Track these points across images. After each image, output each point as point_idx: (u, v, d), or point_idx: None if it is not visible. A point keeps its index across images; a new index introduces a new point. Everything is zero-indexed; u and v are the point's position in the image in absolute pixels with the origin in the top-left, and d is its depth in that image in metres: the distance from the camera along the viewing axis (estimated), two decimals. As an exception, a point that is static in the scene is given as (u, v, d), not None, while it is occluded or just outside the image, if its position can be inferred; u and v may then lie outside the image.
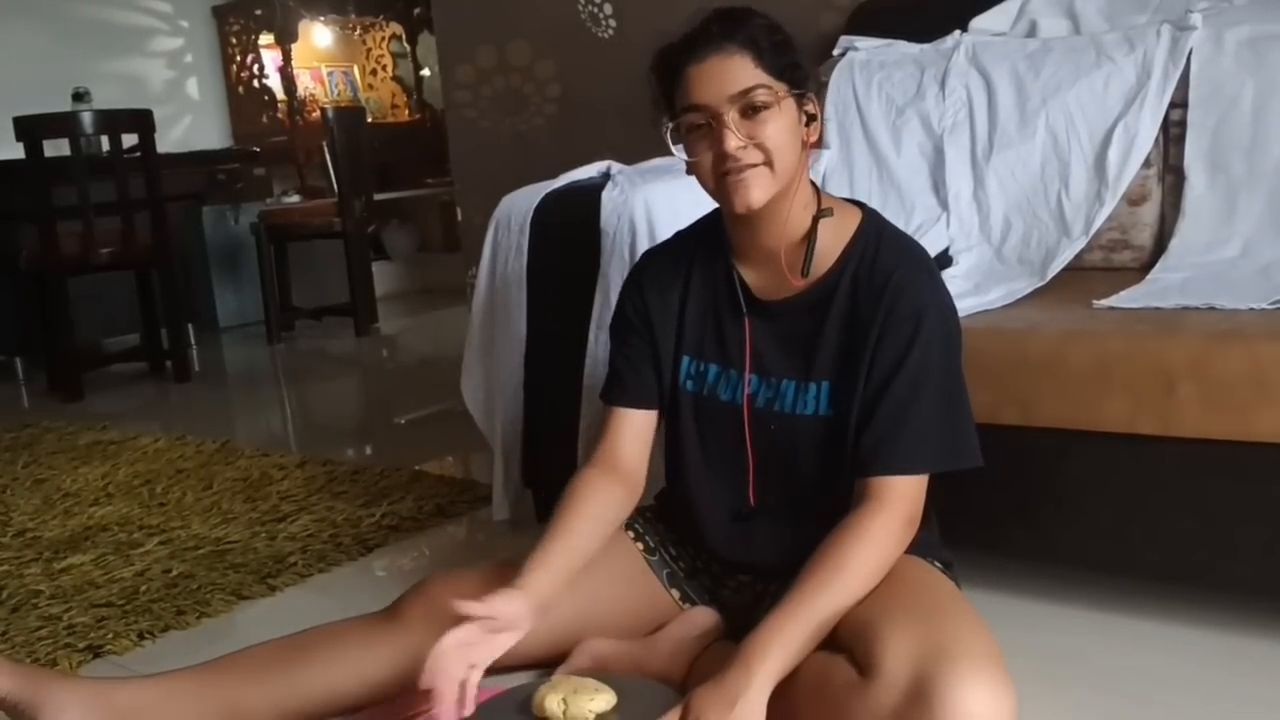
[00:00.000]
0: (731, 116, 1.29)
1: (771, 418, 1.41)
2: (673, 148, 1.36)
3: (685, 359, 1.48)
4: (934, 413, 1.32)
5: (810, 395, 1.38)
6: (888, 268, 1.35)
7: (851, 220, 1.41)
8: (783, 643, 1.21)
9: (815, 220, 1.38)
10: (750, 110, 1.30)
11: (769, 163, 1.31)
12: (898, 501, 1.30)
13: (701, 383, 1.47)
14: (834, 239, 1.39)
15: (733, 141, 1.29)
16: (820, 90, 1.40)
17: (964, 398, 1.36)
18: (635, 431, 1.49)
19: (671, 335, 1.48)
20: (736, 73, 1.29)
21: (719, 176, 1.33)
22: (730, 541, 1.47)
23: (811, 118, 1.36)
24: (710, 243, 1.48)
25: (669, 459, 1.53)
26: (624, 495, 1.47)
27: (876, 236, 1.39)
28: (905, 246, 1.40)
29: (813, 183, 1.43)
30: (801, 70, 1.34)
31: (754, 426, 1.42)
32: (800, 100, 1.34)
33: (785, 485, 1.42)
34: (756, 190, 1.32)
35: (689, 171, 1.37)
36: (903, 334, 1.32)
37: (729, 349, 1.45)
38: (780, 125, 1.31)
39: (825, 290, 1.38)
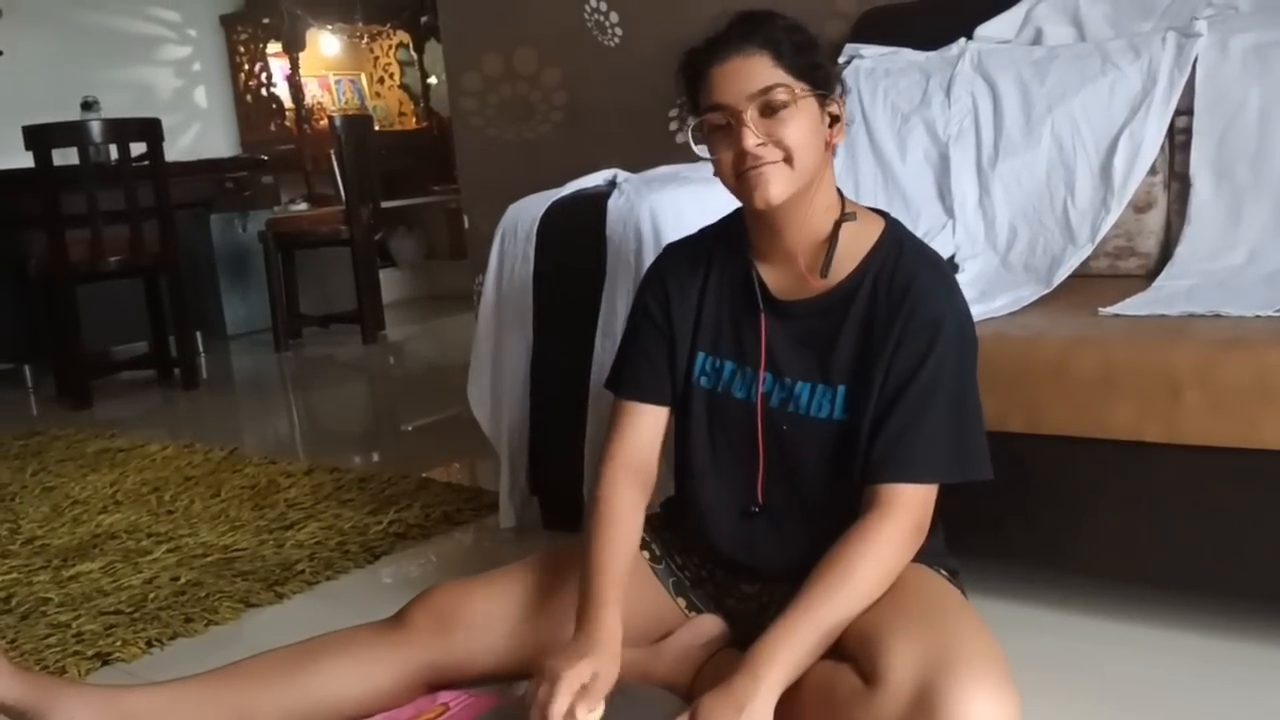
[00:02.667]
0: (750, 115, 1.30)
1: (784, 418, 1.41)
2: (695, 147, 1.37)
3: (701, 355, 1.48)
4: (946, 423, 1.32)
5: (825, 399, 1.38)
6: (908, 276, 1.35)
7: (875, 228, 1.41)
8: (789, 650, 1.21)
9: (838, 224, 1.39)
10: (769, 109, 1.31)
11: (788, 159, 1.31)
12: (906, 510, 1.30)
13: (716, 379, 1.47)
14: (855, 244, 1.39)
15: (751, 140, 1.30)
16: (845, 93, 1.41)
17: (977, 409, 1.37)
18: (649, 425, 1.49)
19: (688, 330, 1.48)
20: (756, 72, 1.30)
21: (739, 174, 1.34)
22: (736, 541, 1.47)
23: (835, 119, 1.37)
24: (731, 240, 1.48)
25: (678, 455, 1.53)
26: (644, 494, 1.48)
27: (898, 245, 1.39)
28: (926, 256, 1.40)
29: (839, 189, 1.43)
30: (824, 70, 1.35)
31: (766, 425, 1.42)
32: (822, 100, 1.35)
33: (793, 486, 1.42)
34: (775, 186, 1.32)
35: (715, 172, 1.38)
36: (919, 342, 1.32)
37: (745, 346, 1.45)
38: (800, 124, 1.31)
39: (844, 294, 1.38)
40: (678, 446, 1.52)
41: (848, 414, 1.37)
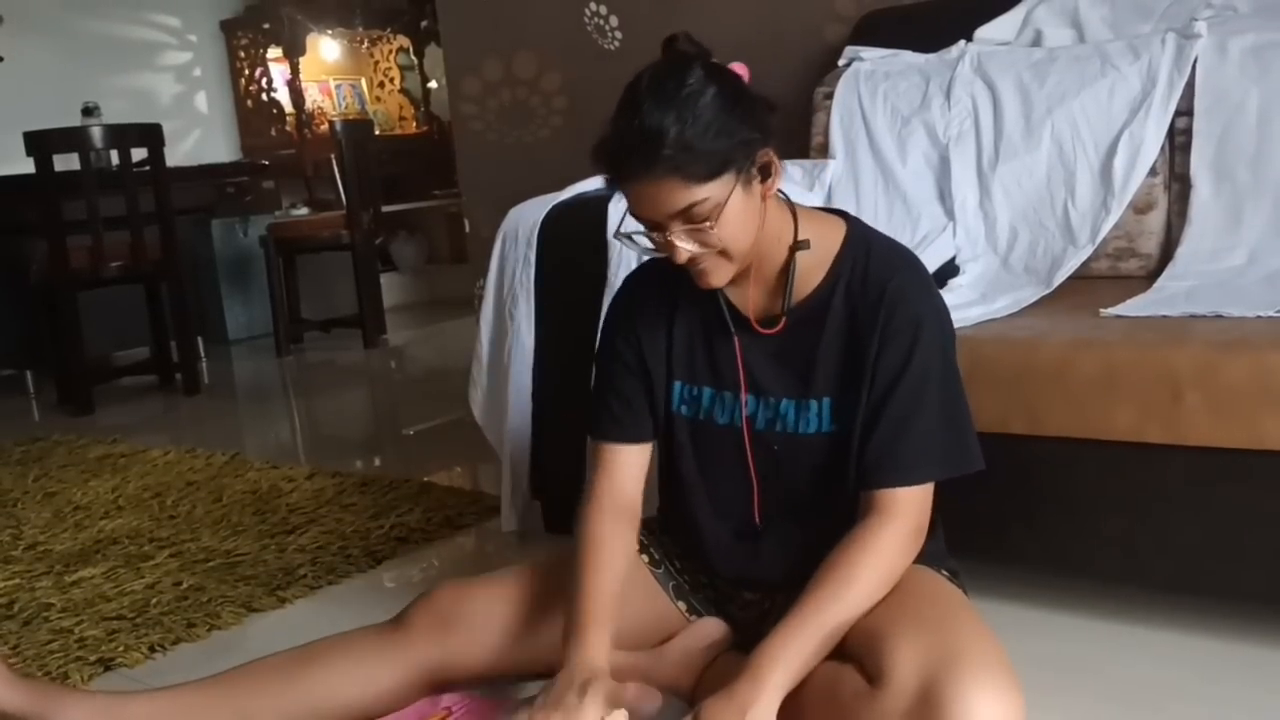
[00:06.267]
0: (676, 233, 1.27)
1: (774, 438, 1.40)
2: (635, 239, 1.32)
3: (677, 384, 1.45)
4: (936, 420, 1.32)
5: (812, 413, 1.37)
6: (881, 277, 1.33)
7: (835, 233, 1.38)
8: (792, 653, 1.21)
9: (792, 251, 1.36)
10: (692, 222, 1.26)
11: (724, 253, 1.29)
12: (905, 512, 1.30)
13: (696, 407, 1.45)
14: (819, 254, 1.36)
15: (682, 255, 1.28)
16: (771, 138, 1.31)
17: (963, 402, 1.36)
18: (631, 466, 1.46)
19: (662, 362, 1.46)
20: (669, 196, 1.24)
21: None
22: (735, 560, 1.47)
23: (766, 168, 1.29)
24: None
25: (664, 482, 1.52)
26: (631, 532, 1.45)
27: (865, 246, 1.37)
28: (896, 254, 1.38)
29: (789, 203, 1.39)
30: (742, 139, 1.25)
31: (755, 448, 1.41)
32: (748, 171, 1.27)
33: (790, 502, 1.42)
34: (715, 277, 1.31)
35: None
36: (902, 343, 1.31)
37: (721, 371, 1.43)
38: (728, 221, 1.26)
39: (817, 305, 1.36)
40: (665, 472, 1.51)
41: (836, 425, 1.36)
